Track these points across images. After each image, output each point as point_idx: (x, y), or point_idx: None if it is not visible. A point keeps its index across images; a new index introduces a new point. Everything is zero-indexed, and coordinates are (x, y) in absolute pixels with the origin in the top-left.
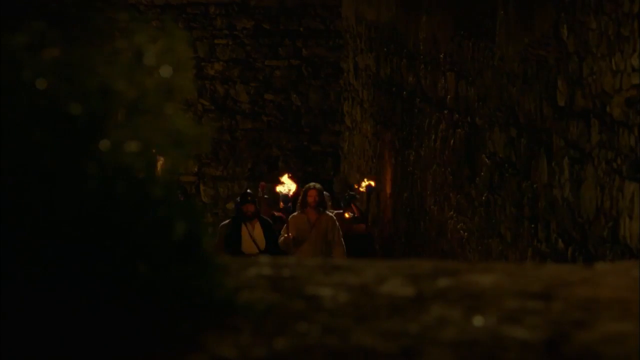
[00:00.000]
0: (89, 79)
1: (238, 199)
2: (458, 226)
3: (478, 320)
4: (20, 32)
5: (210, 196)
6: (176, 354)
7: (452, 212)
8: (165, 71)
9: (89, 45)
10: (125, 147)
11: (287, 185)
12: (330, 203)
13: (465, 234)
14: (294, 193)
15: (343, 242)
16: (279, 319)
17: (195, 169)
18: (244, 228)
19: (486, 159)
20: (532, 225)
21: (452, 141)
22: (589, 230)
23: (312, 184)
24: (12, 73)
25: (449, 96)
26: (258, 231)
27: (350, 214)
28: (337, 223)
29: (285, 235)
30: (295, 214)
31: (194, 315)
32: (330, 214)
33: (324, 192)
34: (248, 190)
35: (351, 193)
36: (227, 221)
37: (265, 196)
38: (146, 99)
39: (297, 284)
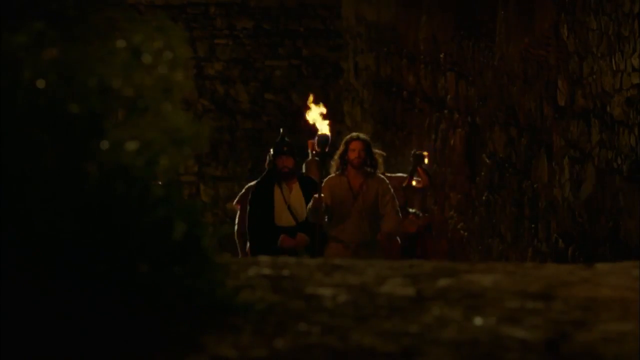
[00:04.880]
0: (89, 79)
1: (271, 150)
2: (458, 226)
3: (478, 320)
4: (20, 32)
5: (210, 196)
6: (176, 354)
7: (452, 212)
8: (163, 70)
9: (89, 45)
10: (124, 146)
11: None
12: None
13: (466, 234)
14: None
15: (399, 215)
16: (279, 319)
17: (195, 169)
18: (277, 191)
19: (486, 159)
20: (532, 225)
21: (452, 141)
22: (589, 230)
23: (355, 134)
24: (12, 73)
25: (449, 96)
26: (297, 196)
27: (418, 179)
28: (392, 190)
29: (315, 196)
30: (331, 175)
31: (194, 315)
32: (383, 176)
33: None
34: (286, 139)
35: (417, 152)
36: (254, 182)
37: (317, 158)
38: (145, 97)
39: (297, 284)
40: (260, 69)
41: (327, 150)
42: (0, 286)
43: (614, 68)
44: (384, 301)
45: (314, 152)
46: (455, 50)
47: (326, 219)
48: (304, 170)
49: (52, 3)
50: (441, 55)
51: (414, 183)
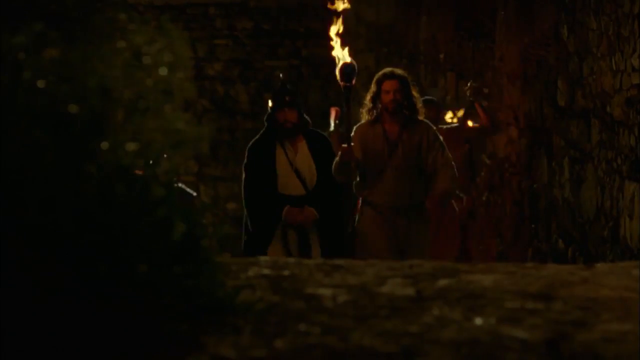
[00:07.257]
0: (89, 79)
1: (269, 101)
2: None
3: (478, 320)
4: (20, 33)
5: (210, 196)
6: (176, 354)
7: None
8: (164, 71)
9: (89, 45)
10: (125, 147)
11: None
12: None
13: None
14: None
15: (455, 170)
16: (279, 319)
17: (195, 169)
18: (279, 152)
19: (486, 159)
20: (532, 225)
21: None
22: (589, 230)
23: (388, 69)
24: (12, 73)
25: (448, 96)
26: (304, 157)
27: (473, 121)
28: (441, 136)
29: (344, 146)
30: (362, 122)
31: (194, 315)
32: (427, 121)
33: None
34: (287, 86)
35: (474, 85)
36: (258, 136)
37: (340, 129)
38: (145, 98)
39: (297, 284)
40: (260, 69)
41: (354, 82)
42: (0, 286)
43: (614, 68)
44: (384, 301)
45: (336, 121)
46: (455, 50)
47: (357, 178)
48: None
49: (52, 3)
50: (441, 55)
51: (470, 124)
